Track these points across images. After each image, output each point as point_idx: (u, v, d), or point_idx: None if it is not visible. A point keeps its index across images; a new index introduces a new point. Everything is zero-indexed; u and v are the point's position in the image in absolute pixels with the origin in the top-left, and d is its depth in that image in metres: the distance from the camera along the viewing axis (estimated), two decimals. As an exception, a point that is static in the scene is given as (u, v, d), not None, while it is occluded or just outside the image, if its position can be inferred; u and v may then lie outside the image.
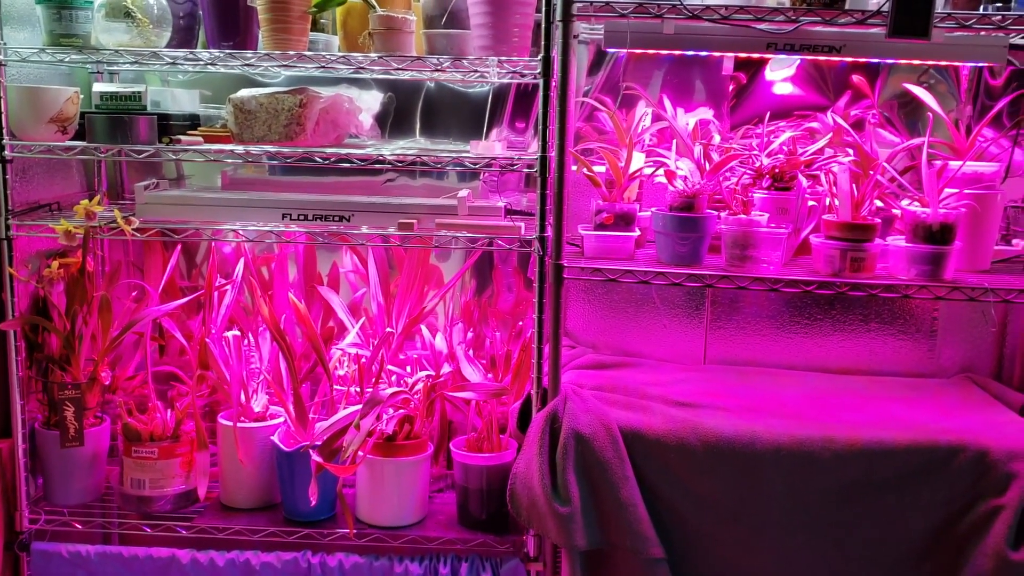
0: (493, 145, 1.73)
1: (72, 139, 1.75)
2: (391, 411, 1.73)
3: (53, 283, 1.68)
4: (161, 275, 1.92)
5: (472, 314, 2.03)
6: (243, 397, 1.83)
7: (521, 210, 1.81)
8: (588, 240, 1.74)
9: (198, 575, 1.74)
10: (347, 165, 1.68)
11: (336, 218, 1.74)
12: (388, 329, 1.81)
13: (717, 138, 1.81)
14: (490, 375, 1.85)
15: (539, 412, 1.66)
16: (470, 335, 1.94)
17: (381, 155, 1.66)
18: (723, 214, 1.71)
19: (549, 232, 1.64)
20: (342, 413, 1.70)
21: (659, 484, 1.63)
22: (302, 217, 1.75)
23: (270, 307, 1.79)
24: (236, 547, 1.75)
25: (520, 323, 1.98)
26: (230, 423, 1.79)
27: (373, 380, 1.80)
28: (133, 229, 1.66)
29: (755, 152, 1.77)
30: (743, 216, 1.69)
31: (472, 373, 1.82)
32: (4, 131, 1.67)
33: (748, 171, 1.77)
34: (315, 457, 1.62)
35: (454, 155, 1.69)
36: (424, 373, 1.81)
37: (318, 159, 1.66)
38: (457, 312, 2.04)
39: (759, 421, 1.67)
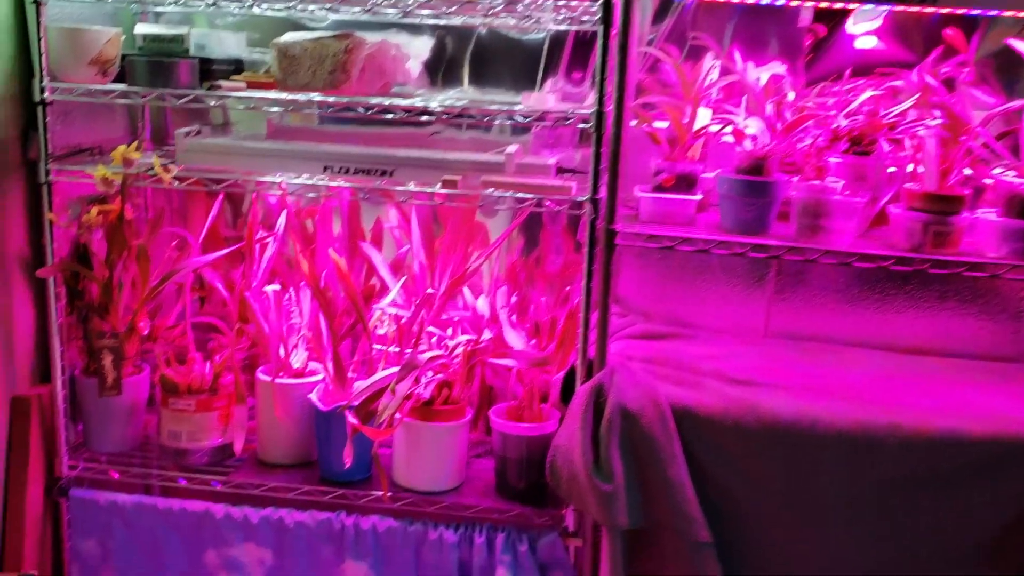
0: (546, 97, 1.63)
1: (113, 82, 1.70)
2: (430, 375, 1.67)
3: (91, 230, 1.64)
4: (205, 224, 1.87)
5: (518, 276, 1.94)
6: (282, 352, 1.79)
7: (574, 168, 1.70)
8: (645, 203, 1.63)
9: (232, 531, 1.72)
10: (391, 116, 1.59)
11: (378, 172, 1.67)
12: (429, 290, 1.74)
13: (791, 95, 1.67)
14: (534, 341, 1.76)
15: (584, 384, 1.57)
16: (514, 299, 1.86)
17: (425, 106, 1.57)
18: (795, 179, 1.58)
19: (602, 194, 1.53)
20: (380, 375, 1.63)
21: (709, 465, 1.54)
22: (343, 170, 1.68)
23: (310, 262, 1.72)
24: (271, 504, 1.72)
25: (567, 288, 1.89)
26: (268, 378, 1.75)
27: (413, 342, 1.73)
28: (171, 177, 1.60)
29: (832, 112, 1.62)
30: (816, 182, 1.56)
31: (514, 339, 1.74)
32: (44, 73, 1.62)
33: (824, 133, 1.63)
34: (350, 419, 1.57)
35: (504, 107, 1.58)
36: (465, 337, 1.73)
37: (360, 108, 1.58)
38: (503, 273, 1.95)
39: (821, 402, 1.55)
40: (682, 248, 1.54)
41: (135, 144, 1.59)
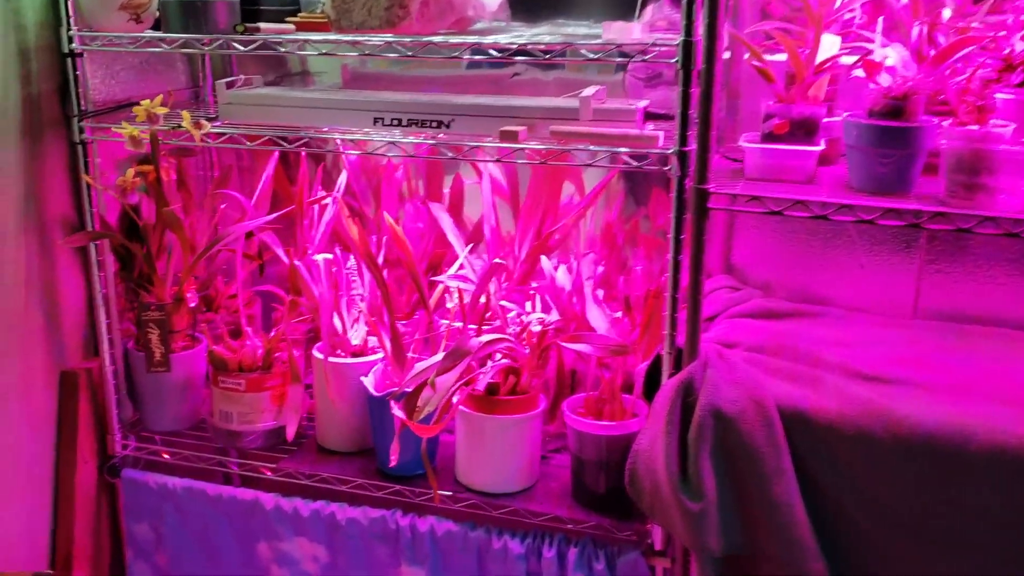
0: (631, 27, 1.33)
1: (152, 29, 1.54)
2: (497, 357, 1.43)
3: (126, 193, 1.49)
4: (276, 182, 1.70)
5: (614, 241, 1.66)
6: (340, 327, 1.60)
7: (667, 113, 1.40)
8: (751, 155, 1.32)
9: (282, 523, 1.56)
10: (461, 58, 1.34)
11: (433, 123, 1.43)
12: (496, 260, 1.49)
13: (947, 13, 1.29)
14: (619, 314, 1.50)
15: (670, 379, 1.30)
16: (600, 269, 1.59)
17: (478, 43, 1.32)
18: (946, 123, 1.22)
19: (691, 145, 1.23)
20: (431, 360, 1.42)
21: (826, 482, 1.24)
22: (395, 122, 1.45)
23: (360, 228, 1.52)
24: (323, 496, 1.56)
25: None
26: (322, 356, 1.57)
27: (478, 319, 1.50)
28: (203, 134, 1.43)
29: (1002, 33, 1.25)
30: (975, 127, 1.20)
31: (597, 317, 1.47)
32: (71, 20, 1.47)
33: (991, 61, 1.26)
34: (396, 411, 1.36)
35: (578, 42, 1.30)
36: (536, 315, 1.48)
37: (399, 48, 1.34)
38: (598, 233, 1.68)
39: (977, 408, 1.22)
40: (794, 213, 1.22)
41: (159, 98, 1.42)
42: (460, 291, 1.50)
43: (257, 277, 1.79)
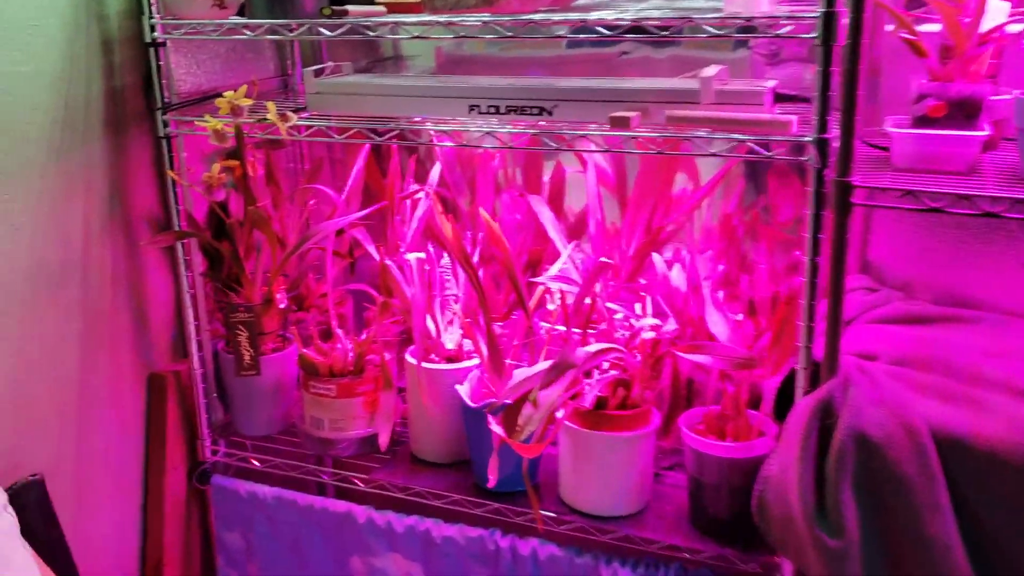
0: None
1: (237, 15, 1.45)
2: (605, 366, 1.30)
3: (212, 190, 1.41)
4: (368, 175, 1.61)
5: (733, 235, 1.50)
6: (433, 330, 1.50)
7: (799, 95, 1.24)
8: (900, 142, 1.14)
9: (374, 537, 1.47)
10: (564, 37, 1.21)
11: (534, 110, 1.30)
12: (603, 259, 1.36)
13: None
14: (741, 316, 1.34)
15: (805, 398, 1.14)
16: (721, 267, 1.43)
17: (583, 20, 1.18)
18: None
19: (832, 132, 1.07)
20: (537, 367, 1.29)
21: (988, 520, 1.08)
22: (492, 110, 1.32)
23: (454, 226, 1.40)
24: (417, 510, 1.46)
25: (798, 253, 1.43)
26: (414, 361, 1.47)
27: (583, 322, 1.37)
28: (289, 127, 1.33)
29: None
30: None
31: (718, 323, 1.33)
32: (152, 8, 1.40)
33: None
34: (494, 427, 1.25)
35: (698, 16, 1.15)
36: (648, 321, 1.35)
37: (497, 28, 1.22)
38: (714, 223, 1.52)
39: None
40: (957, 211, 1.04)
41: (243, 89, 1.33)
42: (563, 293, 1.38)
43: (348, 275, 1.70)
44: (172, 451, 1.56)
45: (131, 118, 1.47)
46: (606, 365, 1.33)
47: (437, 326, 1.50)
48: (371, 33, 1.30)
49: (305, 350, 1.51)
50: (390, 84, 1.40)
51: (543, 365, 1.30)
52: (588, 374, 1.33)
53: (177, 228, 1.49)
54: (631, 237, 1.52)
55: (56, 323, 1.37)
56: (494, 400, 1.34)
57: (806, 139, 1.09)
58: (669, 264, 1.44)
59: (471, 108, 1.34)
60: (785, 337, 1.25)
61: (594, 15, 1.22)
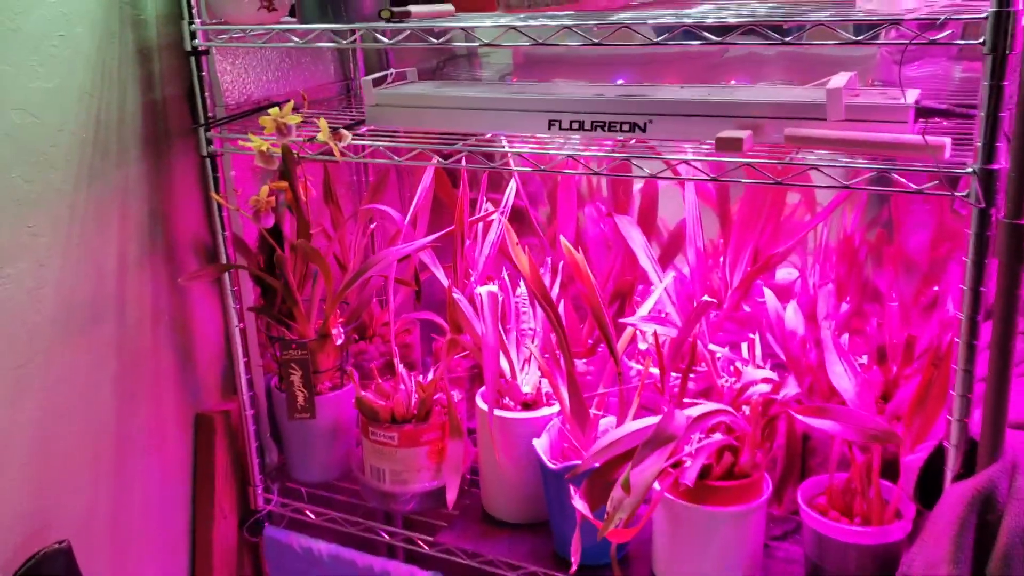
0: (903, -9, 0.95)
1: (289, 15, 1.29)
2: (698, 438, 1.11)
3: (260, 215, 1.26)
4: (438, 187, 1.44)
5: (855, 261, 1.29)
6: (508, 371, 1.32)
7: (949, 109, 1.01)
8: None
9: (441, 607, 1.31)
10: (660, 43, 1.02)
11: (625, 126, 1.10)
12: (705, 298, 1.16)
13: None
14: (868, 366, 1.13)
15: (959, 484, 0.93)
16: (845, 306, 1.22)
17: (679, 23, 0.97)
18: None
19: (1001, 162, 0.85)
20: (620, 431, 1.11)
21: None
22: (575, 125, 1.13)
23: (531, 258, 1.22)
24: (489, 578, 1.29)
25: (936, 288, 1.21)
26: (485, 407, 1.30)
27: (683, 368, 1.18)
28: (343, 147, 1.17)
29: None
30: None
31: (842, 377, 1.12)
32: (194, 12, 1.25)
33: None
34: (576, 503, 1.07)
35: (825, 17, 0.94)
36: (761, 373, 1.14)
37: (581, 34, 1.02)
38: (831, 240, 1.31)
39: None
40: None
41: (290, 105, 1.17)
42: (656, 336, 1.18)
43: (415, 302, 1.54)
44: (221, 498, 1.43)
45: (174, 135, 1.32)
46: (698, 438, 1.13)
47: (512, 367, 1.32)
48: (434, 41, 1.12)
49: (364, 393, 1.35)
50: (458, 95, 1.22)
51: (634, 425, 1.11)
52: (673, 454, 1.13)
53: (224, 256, 1.35)
54: (735, 263, 1.32)
55: (89, 367, 1.24)
56: (577, 462, 1.16)
57: (965, 170, 0.88)
58: (781, 295, 1.24)
59: (551, 124, 1.15)
60: (931, 402, 1.03)
61: (696, 10, 1.02)
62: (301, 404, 1.37)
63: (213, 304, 1.42)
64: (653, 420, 1.07)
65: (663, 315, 1.28)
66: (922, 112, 1.00)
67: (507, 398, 1.32)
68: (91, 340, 1.24)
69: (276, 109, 1.15)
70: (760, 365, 1.21)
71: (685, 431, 1.02)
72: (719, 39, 0.96)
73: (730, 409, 1.09)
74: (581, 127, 1.13)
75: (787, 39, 0.93)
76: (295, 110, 1.24)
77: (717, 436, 1.10)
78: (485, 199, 1.41)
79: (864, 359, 1.23)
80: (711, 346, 1.24)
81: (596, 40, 1.01)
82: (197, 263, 1.39)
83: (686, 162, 1.02)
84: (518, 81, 1.57)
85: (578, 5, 1.38)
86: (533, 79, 1.60)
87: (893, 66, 1.28)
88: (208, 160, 1.30)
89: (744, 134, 0.99)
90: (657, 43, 1.00)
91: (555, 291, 1.31)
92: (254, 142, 1.17)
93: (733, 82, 1.35)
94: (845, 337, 1.21)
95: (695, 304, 1.17)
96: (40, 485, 1.18)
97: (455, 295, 1.28)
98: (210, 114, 1.29)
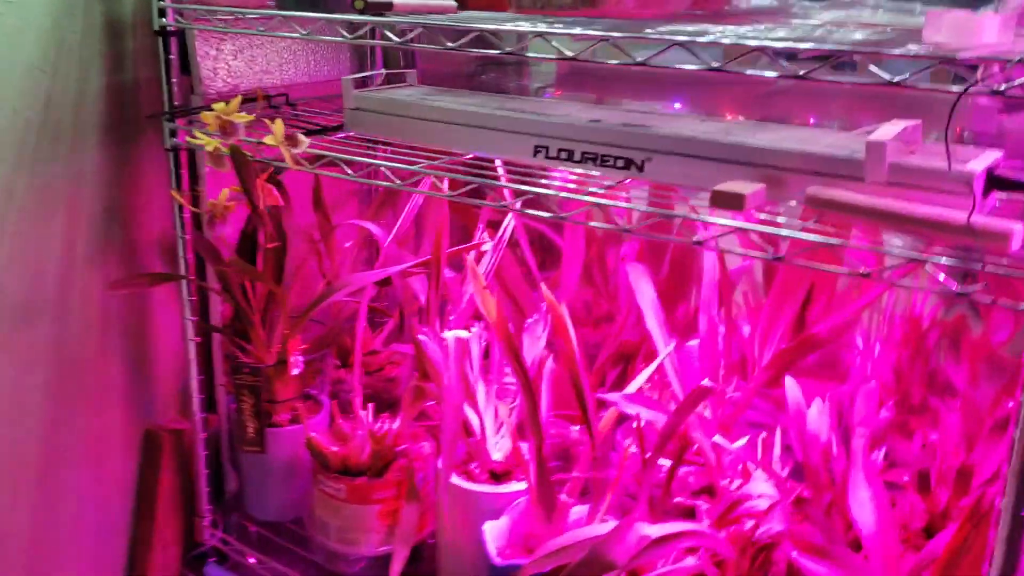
0: (979, 23, 0.70)
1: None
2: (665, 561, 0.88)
3: (214, 222, 1.11)
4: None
5: (917, 353, 1.03)
6: (477, 428, 1.13)
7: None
8: None
9: None
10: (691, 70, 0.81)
11: (618, 162, 0.89)
12: (704, 383, 0.93)
13: None
14: (916, 499, 0.88)
15: None
16: (885, 413, 0.97)
17: (714, 41, 0.76)
18: None
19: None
20: (582, 533, 0.90)
21: None
22: (563, 155, 0.93)
23: (499, 303, 1.02)
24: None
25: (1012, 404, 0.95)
26: (446, 474, 1.11)
27: (673, 456, 0.96)
28: (296, 154, 1.00)
29: None
30: None
31: (865, 505, 0.87)
32: (165, -13, 1.11)
33: None
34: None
35: (889, 48, 0.71)
36: (761, 486, 0.91)
37: (622, 49, 0.82)
38: (878, 345, 1.06)
39: None
40: None
41: (236, 100, 1.01)
42: (639, 421, 0.96)
43: (399, 332, 1.36)
44: (163, 526, 1.29)
45: (146, 123, 1.19)
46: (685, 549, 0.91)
47: (483, 427, 1.13)
48: (449, 44, 0.94)
49: (313, 434, 1.18)
50: (441, 107, 1.03)
51: (598, 529, 0.90)
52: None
53: (183, 263, 1.21)
54: (768, 334, 1.09)
55: (15, 369, 1.12)
56: (522, 563, 0.96)
57: (1037, 268, 0.63)
58: (807, 389, 1.00)
59: (537, 150, 0.95)
60: (964, 569, 0.78)
61: (732, 30, 0.81)
62: (250, 435, 1.22)
63: (176, 313, 1.28)
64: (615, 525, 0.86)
65: (666, 389, 1.06)
66: (997, 182, 0.75)
67: (475, 464, 1.13)
68: (20, 341, 1.11)
69: (222, 104, 0.99)
70: (774, 470, 0.98)
71: (634, 555, 0.80)
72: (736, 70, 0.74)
73: (705, 531, 0.86)
74: (569, 157, 0.93)
75: (803, 72, 0.70)
76: (273, 107, 1.08)
77: (690, 561, 0.88)
78: (483, 227, 1.22)
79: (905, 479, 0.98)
80: (717, 438, 1.01)
81: (638, 59, 0.81)
82: (163, 267, 1.25)
83: (684, 215, 0.81)
84: (520, 97, 1.37)
85: (598, 10, 1.17)
86: (575, 93, 1.41)
87: (994, 115, 1.02)
88: (171, 154, 1.16)
89: (751, 189, 0.76)
90: (711, 71, 0.78)
91: (542, 343, 1.11)
92: (201, 139, 1.01)
93: (764, 121, 1.11)
94: (881, 453, 0.96)
95: (687, 394, 0.95)
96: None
97: (420, 337, 1.10)
98: (178, 103, 1.15)
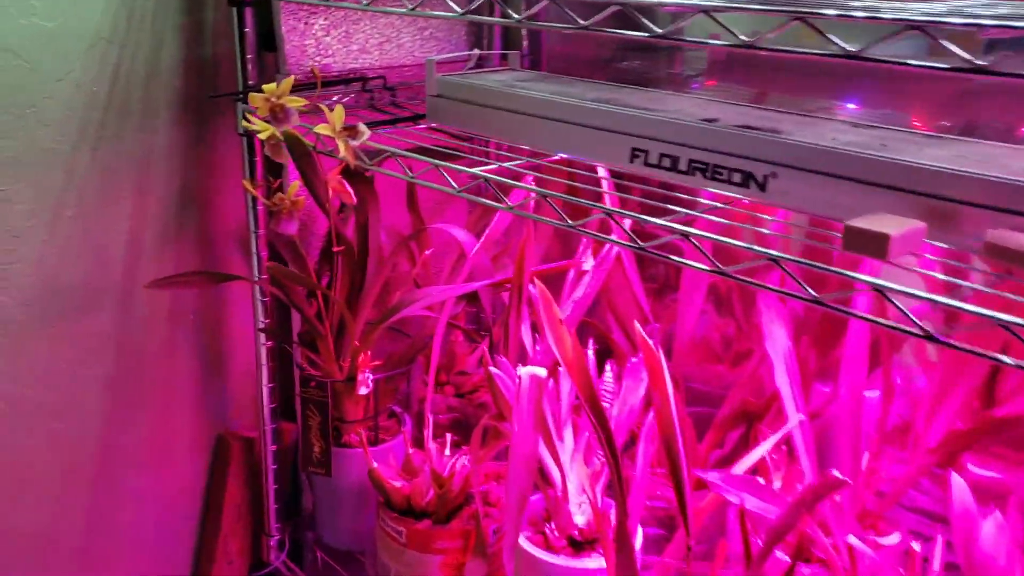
0: None
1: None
2: None
3: (279, 219, 0.98)
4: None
5: None
6: (559, 485, 0.94)
7: None
8: None
9: None
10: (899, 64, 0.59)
11: (733, 176, 0.67)
12: (834, 473, 0.70)
13: None
14: None
15: None
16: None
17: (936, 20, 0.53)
18: None
19: None
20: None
21: None
22: (666, 163, 0.72)
23: (574, 341, 0.82)
24: None
25: None
26: (511, 535, 0.93)
27: (788, 563, 0.73)
28: (350, 146, 0.85)
29: None
30: None
31: None
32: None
33: None
34: None
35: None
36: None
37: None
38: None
39: None
40: None
41: (288, 81, 0.86)
42: (743, 514, 0.75)
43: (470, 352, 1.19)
44: (228, 538, 1.19)
45: (225, 103, 1.08)
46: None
47: (564, 482, 0.94)
48: (581, 23, 0.76)
49: (375, 464, 1.03)
50: (525, 96, 0.85)
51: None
52: None
53: (255, 258, 1.09)
54: (940, 408, 0.84)
55: (72, 363, 1.04)
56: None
57: None
58: (985, 485, 0.75)
59: (634, 154, 0.75)
60: None
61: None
62: (316, 456, 1.09)
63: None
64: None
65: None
66: None
67: (552, 526, 0.94)
68: (79, 332, 1.04)
69: (272, 86, 0.85)
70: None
71: None
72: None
73: None
74: (673, 166, 0.72)
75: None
76: (367, 91, 0.94)
77: None
78: (584, 243, 1.02)
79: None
80: (851, 539, 0.77)
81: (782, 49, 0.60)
82: (241, 261, 1.15)
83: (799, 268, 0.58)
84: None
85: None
86: (731, 85, 1.18)
87: None
88: (245, 139, 1.04)
89: (902, 227, 0.53)
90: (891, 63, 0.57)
91: (641, 390, 0.90)
92: (255, 125, 0.88)
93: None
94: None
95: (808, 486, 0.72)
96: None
97: (491, 369, 0.92)
98: (254, 82, 1.02)
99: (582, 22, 0.70)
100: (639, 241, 0.66)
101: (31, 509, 1.04)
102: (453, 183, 0.77)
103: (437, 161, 0.78)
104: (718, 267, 0.61)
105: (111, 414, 1.09)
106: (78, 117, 0.98)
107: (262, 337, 1.12)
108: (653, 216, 0.65)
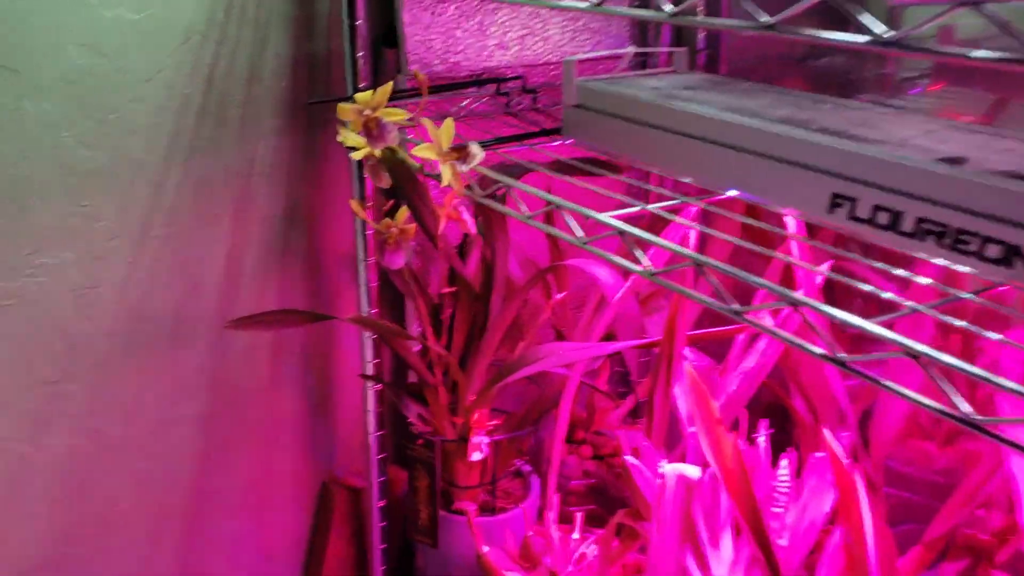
0: None
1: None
2: None
3: (386, 251, 0.82)
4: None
5: None
6: (711, 609, 0.73)
7: None
8: None
9: None
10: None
11: (990, 251, 0.45)
12: None
13: None
14: None
15: None
16: None
17: None
18: None
19: None
20: None
21: None
22: (882, 217, 0.50)
23: (735, 445, 0.61)
24: None
25: None
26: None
27: None
28: (469, 170, 0.67)
29: None
30: None
31: None
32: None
33: None
34: None
35: None
36: None
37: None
38: None
39: None
40: None
41: (387, 86, 0.69)
42: None
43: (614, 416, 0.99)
44: (328, 599, 1.06)
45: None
46: None
47: (716, 604, 0.73)
48: (764, 19, 0.56)
49: (487, 550, 0.86)
50: (685, 112, 0.64)
51: None
52: None
53: (364, 288, 0.94)
54: None
55: (158, 397, 0.93)
56: None
57: None
58: None
59: (835, 203, 0.53)
60: None
61: None
62: (423, 523, 0.93)
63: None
64: None
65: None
66: None
67: (698, 654, 0.74)
68: (169, 365, 0.92)
69: (368, 94, 0.69)
70: None
71: None
72: None
73: None
74: (893, 225, 0.50)
75: None
76: (503, 94, 0.77)
77: None
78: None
79: None
80: None
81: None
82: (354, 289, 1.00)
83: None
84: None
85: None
86: (966, 89, 0.93)
87: None
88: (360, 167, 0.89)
89: None
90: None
91: (825, 504, 0.68)
92: (347, 139, 0.72)
93: None
94: None
95: None
96: (67, 534, 0.91)
97: (628, 458, 0.72)
98: (362, 84, 0.87)
99: (767, 18, 0.50)
100: (832, 342, 0.45)
101: (116, 556, 0.94)
102: (579, 229, 0.58)
103: (558, 200, 0.59)
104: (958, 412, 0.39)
105: (205, 455, 0.97)
106: (168, 124, 0.86)
107: (369, 392, 0.97)
108: (852, 313, 0.44)
